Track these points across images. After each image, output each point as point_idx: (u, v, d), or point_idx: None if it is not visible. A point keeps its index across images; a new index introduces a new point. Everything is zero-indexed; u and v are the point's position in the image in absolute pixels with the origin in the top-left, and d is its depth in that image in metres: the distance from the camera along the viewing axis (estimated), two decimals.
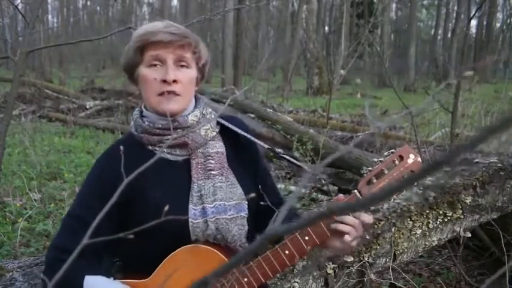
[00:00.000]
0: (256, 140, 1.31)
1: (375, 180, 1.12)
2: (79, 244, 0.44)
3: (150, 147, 1.17)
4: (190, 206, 1.13)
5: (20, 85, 6.20)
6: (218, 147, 1.22)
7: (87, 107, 9.07)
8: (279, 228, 0.34)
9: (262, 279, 1.12)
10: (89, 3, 29.92)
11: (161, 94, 1.13)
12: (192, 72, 1.17)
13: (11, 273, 1.40)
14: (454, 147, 0.29)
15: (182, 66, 1.15)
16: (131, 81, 1.23)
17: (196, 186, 1.15)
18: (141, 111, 1.22)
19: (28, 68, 14.44)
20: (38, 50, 2.90)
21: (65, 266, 0.45)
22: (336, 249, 1.14)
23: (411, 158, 1.12)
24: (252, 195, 1.14)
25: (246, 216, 1.18)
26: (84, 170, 4.67)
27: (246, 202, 1.18)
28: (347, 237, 1.10)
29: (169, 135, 1.14)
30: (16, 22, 14.44)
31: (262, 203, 1.25)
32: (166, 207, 0.61)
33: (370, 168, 1.14)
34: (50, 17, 30.49)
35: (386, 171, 1.12)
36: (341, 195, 1.15)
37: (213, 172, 1.18)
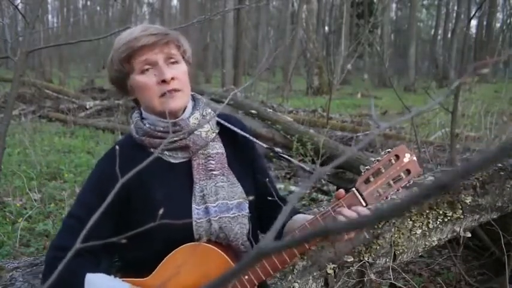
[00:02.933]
0: (255, 140, 1.32)
1: (372, 179, 1.15)
2: (80, 243, 0.44)
3: (151, 150, 1.17)
4: (194, 206, 1.14)
5: (20, 85, 6.20)
6: (218, 148, 1.23)
7: (87, 107, 9.07)
8: (272, 246, 0.34)
9: (263, 277, 1.13)
10: (89, 3, 29.92)
11: (163, 95, 1.13)
12: (183, 66, 1.18)
13: (11, 273, 1.40)
14: (458, 170, 0.29)
15: (173, 63, 1.16)
16: (123, 92, 1.23)
17: (198, 187, 1.16)
18: (141, 113, 1.22)
19: (28, 68, 14.45)
20: (38, 50, 2.90)
21: (62, 264, 0.44)
22: (338, 244, 1.16)
23: (407, 157, 1.15)
24: (251, 198, 1.16)
25: (247, 214, 1.19)
26: (84, 170, 4.67)
27: (247, 201, 1.19)
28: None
29: (172, 137, 1.15)
30: (16, 22, 14.42)
31: (261, 201, 1.26)
32: (161, 211, 0.61)
33: (367, 167, 1.17)
34: (50, 17, 30.51)
35: (383, 170, 1.15)
36: (342, 191, 1.16)
37: (214, 172, 1.19)
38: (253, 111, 5.16)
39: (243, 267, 0.36)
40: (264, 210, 1.28)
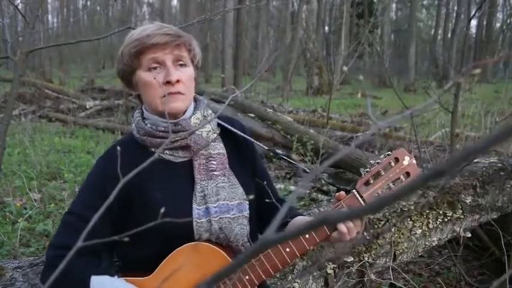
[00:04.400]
0: (255, 142, 1.32)
1: (372, 181, 1.17)
2: (82, 242, 0.44)
3: (152, 150, 1.17)
4: (194, 206, 1.14)
5: (20, 85, 6.20)
6: (219, 148, 1.23)
7: (87, 107, 9.08)
8: (276, 236, 0.34)
9: (263, 277, 1.13)
10: (88, 3, 29.93)
11: (165, 96, 1.13)
12: (190, 70, 1.18)
13: (11, 273, 1.40)
14: (454, 156, 0.29)
15: (181, 65, 1.16)
16: (128, 87, 1.23)
17: (199, 187, 1.16)
18: (142, 113, 1.22)
19: (28, 68, 14.44)
20: (38, 50, 2.90)
21: (62, 265, 0.44)
22: (338, 244, 1.16)
23: (406, 160, 1.17)
24: (251, 197, 1.16)
25: (247, 215, 1.19)
26: (84, 170, 4.67)
27: (247, 202, 1.19)
28: (343, 230, 1.12)
29: (173, 137, 1.15)
30: (16, 22, 14.43)
31: (261, 203, 1.26)
32: (162, 210, 0.61)
33: (367, 169, 1.19)
34: (50, 17, 30.51)
35: (383, 173, 1.17)
36: (342, 193, 1.18)
37: (215, 173, 1.19)
38: (251, 115, 5.17)
39: (247, 257, 0.36)
40: (264, 212, 1.28)
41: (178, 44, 1.14)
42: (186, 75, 1.15)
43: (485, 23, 24.60)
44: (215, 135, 1.23)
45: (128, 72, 1.18)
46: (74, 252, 0.44)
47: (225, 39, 15.63)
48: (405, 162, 1.17)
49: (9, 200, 3.56)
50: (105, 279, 1.07)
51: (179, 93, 1.14)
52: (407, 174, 1.17)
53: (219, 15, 2.81)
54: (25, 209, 3.44)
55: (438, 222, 1.99)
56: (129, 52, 1.14)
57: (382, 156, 1.21)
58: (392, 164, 1.17)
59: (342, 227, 1.12)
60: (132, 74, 1.17)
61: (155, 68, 1.13)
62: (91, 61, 20.31)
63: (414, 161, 1.18)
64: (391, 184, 1.17)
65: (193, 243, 1.12)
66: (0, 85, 10.28)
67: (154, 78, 1.12)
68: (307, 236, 1.14)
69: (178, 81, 1.13)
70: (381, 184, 1.16)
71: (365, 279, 1.80)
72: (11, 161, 4.77)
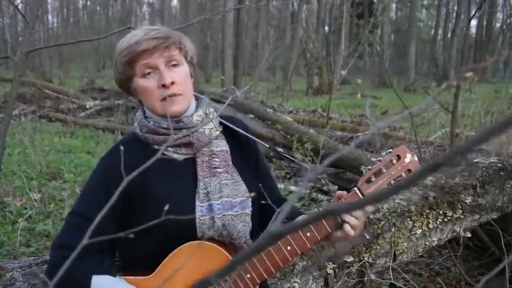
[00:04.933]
0: (257, 140, 1.32)
1: (373, 179, 1.16)
2: (87, 239, 0.44)
3: (155, 147, 1.18)
4: (197, 203, 1.14)
5: (20, 85, 6.20)
6: (222, 145, 1.23)
7: (87, 107, 9.07)
8: (284, 228, 0.35)
9: (265, 275, 1.13)
10: (88, 3, 29.94)
11: (163, 99, 1.14)
12: (184, 69, 1.18)
13: (11, 273, 1.40)
14: (454, 148, 0.29)
15: (174, 65, 1.16)
16: (128, 94, 1.24)
17: (202, 184, 1.16)
18: (144, 112, 1.22)
19: (28, 68, 14.43)
20: (38, 50, 2.90)
21: (67, 263, 0.44)
22: (338, 244, 1.16)
23: (408, 158, 1.16)
24: (253, 194, 1.16)
25: (250, 213, 1.20)
26: (84, 170, 4.67)
27: (250, 199, 1.19)
28: (348, 229, 1.12)
29: (175, 134, 1.15)
30: (16, 22, 14.45)
31: (263, 201, 1.27)
32: (167, 207, 0.61)
33: (369, 167, 1.18)
34: (50, 17, 30.49)
35: (384, 170, 1.16)
36: (344, 192, 1.17)
37: (218, 170, 1.19)
38: (250, 116, 5.18)
39: (255, 250, 0.36)
40: (266, 211, 1.28)
41: (167, 45, 1.14)
42: (180, 74, 1.15)
43: (485, 23, 24.59)
44: (217, 132, 1.23)
45: (125, 80, 1.19)
46: (80, 251, 0.44)
47: (225, 39, 15.62)
48: (407, 160, 1.16)
49: (9, 200, 3.56)
50: (106, 279, 1.07)
51: (176, 94, 1.14)
52: (409, 171, 1.16)
53: (219, 15, 2.81)
54: (25, 209, 3.44)
55: (438, 222, 1.99)
56: (122, 62, 1.15)
57: (383, 153, 1.20)
58: (394, 161, 1.16)
59: (346, 225, 1.12)
60: (129, 82, 1.19)
61: (149, 73, 1.14)
62: (91, 61, 20.33)
63: (416, 158, 1.17)
64: (392, 182, 1.16)
65: (195, 242, 1.12)
66: (0, 85, 10.28)
67: (156, 80, 1.13)
68: (308, 234, 1.14)
69: (173, 83, 1.13)
70: (383, 182, 1.15)
71: (365, 279, 1.80)
72: (11, 161, 4.77)
